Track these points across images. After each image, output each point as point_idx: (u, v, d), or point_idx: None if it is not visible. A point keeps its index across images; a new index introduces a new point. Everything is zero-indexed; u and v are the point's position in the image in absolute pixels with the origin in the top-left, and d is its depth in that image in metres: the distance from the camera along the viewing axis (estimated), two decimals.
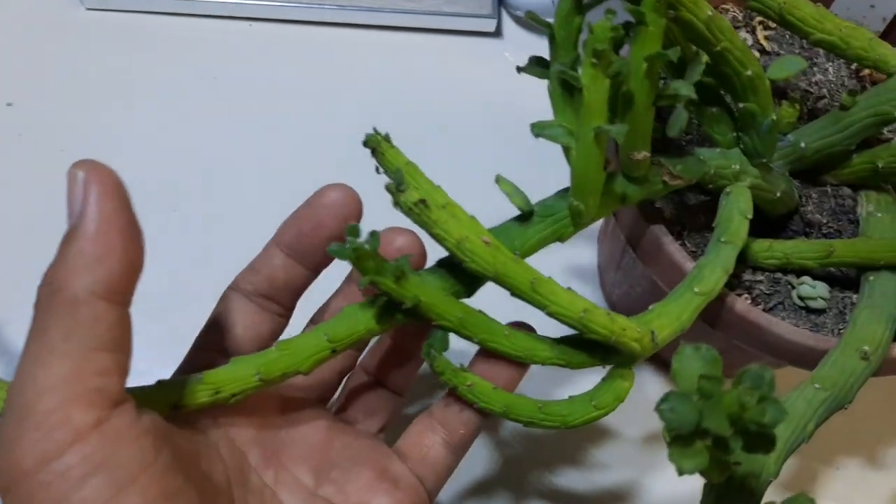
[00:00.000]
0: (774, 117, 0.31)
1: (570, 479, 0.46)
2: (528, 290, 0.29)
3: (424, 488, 0.33)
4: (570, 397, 0.32)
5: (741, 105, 0.31)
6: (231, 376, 0.29)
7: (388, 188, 0.28)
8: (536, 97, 0.34)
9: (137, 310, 0.25)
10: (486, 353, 0.33)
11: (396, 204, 0.28)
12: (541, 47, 0.31)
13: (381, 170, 0.30)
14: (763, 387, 0.24)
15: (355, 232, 0.27)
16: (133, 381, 0.25)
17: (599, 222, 0.47)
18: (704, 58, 0.29)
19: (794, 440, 0.31)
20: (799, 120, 0.38)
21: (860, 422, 0.47)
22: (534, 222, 0.31)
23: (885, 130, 0.40)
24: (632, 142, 0.28)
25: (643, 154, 0.29)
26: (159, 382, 0.28)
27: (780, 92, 0.39)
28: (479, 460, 0.46)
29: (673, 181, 0.31)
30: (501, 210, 0.32)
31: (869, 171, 0.36)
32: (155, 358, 0.36)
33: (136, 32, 0.60)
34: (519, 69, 0.31)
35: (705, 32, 0.28)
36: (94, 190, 0.23)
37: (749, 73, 0.29)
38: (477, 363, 0.33)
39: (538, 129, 0.30)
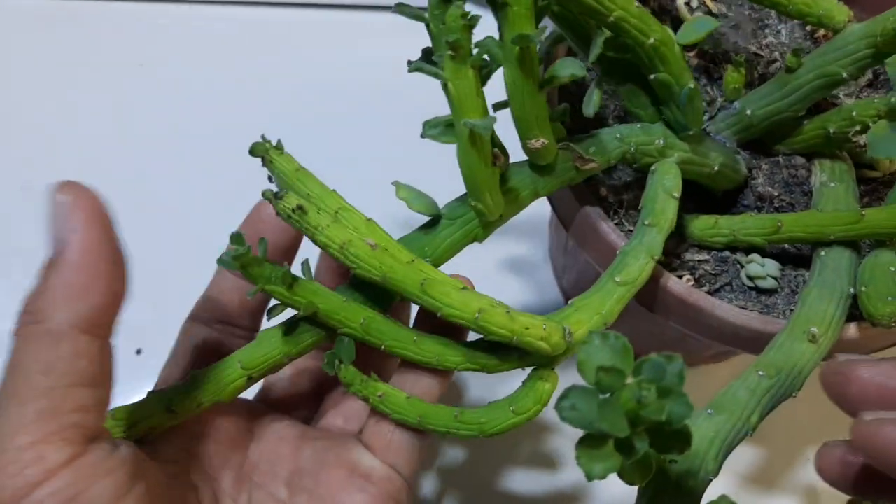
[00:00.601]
0: (692, 85, 0.29)
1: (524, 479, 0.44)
2: (417, 292, 0.27)
3: (399, 475, 0.32)
4: (490, 403, 0.31)
5: (652, 76, 0.28)
6: (141, 413, 0.28)
7: (264, 195, 0.27)
8: None
9: None
10: (407, 362, 0.31)
11: (277, 213, 0.27)
12: None
13: (272, 178, 0.30)
14: (665, 378, 0.22)
15: (240, 241, 0.26)
16: None
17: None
18: (606, 32, 0.27)
19: (735, 433, 0.29)
20: (748, 86, 0.36)
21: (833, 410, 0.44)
22: (442, 227, 0.30)
23: (840, 94, 0.36)
24: (525, 130, 0.27)
25: (540, 141, 0.27)
26: None
27: (726, 56, 0.36)
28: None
29: (585, 165, 0.29)
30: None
31: (821, 137, 0.33)
32: None
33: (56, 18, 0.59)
34: (410, 68, 0.29)
35: (592, 3, 0.25)
36: (78, 217, 0.23)
37: (651, 41, 0.27)
38: (397, 372, 0.32)
39: (425, 130, 0.28)
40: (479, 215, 0.29)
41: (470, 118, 0.25)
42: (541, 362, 0.30)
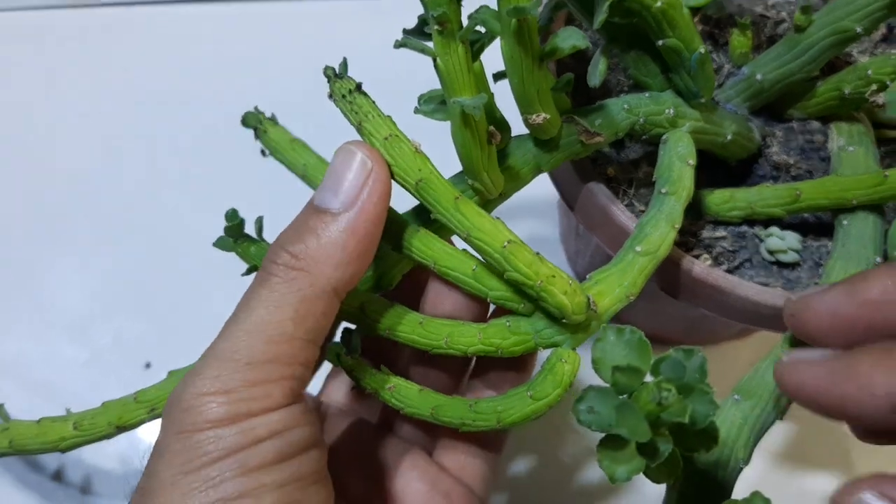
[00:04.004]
0: (702, 49, 0.27)
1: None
2: (450, 208, 0.25)
3: (475, 496, 0.32)
4: (507, 391, 0.29)
5: (660, 42, 0.26)
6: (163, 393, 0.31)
7: (325, 72, 0.26)
8: None
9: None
10: (419, 354, 0.30)
11: (331, 95, 0.26)
12: None
13: (266, 152, 0.29)
14: (686, 375, 0.21)
15: (234, 216, 0.26)
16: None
17: None
18: None
19: (764, 418, 0.27)
20: (756, 49, 0.34)
21: None
22: None
23: (853, 52, 0.35)
24: (525, 105, 0.25)
25: (542, 116, 0.25)
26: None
27: (731, 21, 0.35)
28: None
29: (591, 139, 0.27)
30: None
31: (836, 99, 0.31)
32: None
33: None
34: (397, 44, 0.27)
35: None
36: (376, 188, 0.24)
37: (659, 3, 0.25)
38: (409, 366, 0.31)
39: (420, 105, 0.26)
40: (478, 194, 0.27)
41: (460, 96, 0.23)
42: (559, 341, 0.27)
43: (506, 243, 0.25)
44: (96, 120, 0.54)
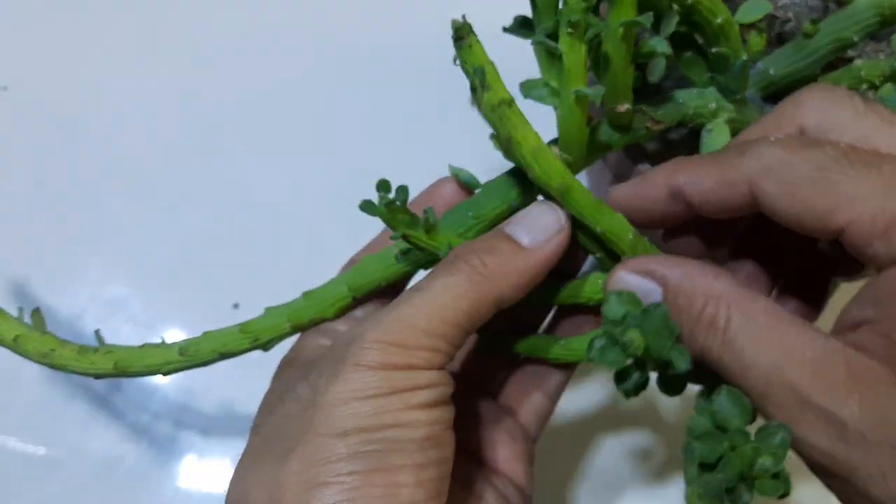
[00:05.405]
0: (745, 57, 0.34)
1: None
2: (592, 211, 0.31)
3: (531, 436, 0.37)
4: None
5: (714, 50, 0.33)
6: (265, 325, 0.34)
7: (472, 84, 0.30)
8: None
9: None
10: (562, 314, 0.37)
11: (476, 103, 0.30)
12: None
13: (457, 61, 0.31)
14: (646, 323, 0.27)
15: (387, 187, 0.30)
16: None
17: None
18: (677, 9, 0.32)
19: None
20: (768, 45, 0.41)
21: None
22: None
23: (847, 51, 0.42)
24: (613, 97, 0.31)
25: (625, 106, 0.31)
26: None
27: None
28: None
29: (655, 126, 0.34)
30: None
31: None
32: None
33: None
34: (504, 29, 0.34)
35: None
36: (559, 240, 0.30)
37: (719, 20, 0.32)
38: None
39: (526, 90, 0.32)
40: (568, 166, 0.33)
41: (579, 87, 0.30)
42: None
43: (631, 236, 0.31)
44: (182, 70, 0.58)
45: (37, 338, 0.37)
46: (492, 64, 0.30)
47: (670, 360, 0.27)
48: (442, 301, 0.28)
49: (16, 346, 0.37)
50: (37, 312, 0.39)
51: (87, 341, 0.37)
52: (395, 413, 0.26)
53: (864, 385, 0.23)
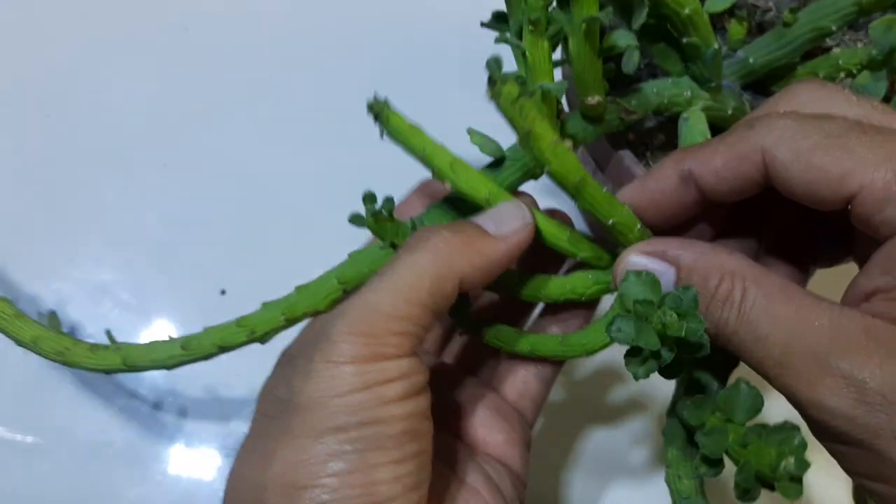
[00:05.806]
0: (717, 46, 0.34)
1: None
2: (605, 204, 0.31)
3: (526, 421, 0.38)
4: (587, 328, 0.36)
5: (685, 40, 0.33)
6: (261, 319, 0.35)
7: (489, 69, 0.29)
8: None
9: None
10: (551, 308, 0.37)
11: (493, 94, 0.29)
12: None
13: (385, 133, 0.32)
14: (683, 305, 0.27)
15: (373, 199, 0.31)
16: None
17: None
18: (646, 1, 0.32)
19: None
20: (748, 34, 0.41)
21: None
22: (506, 167, 0.34)
23: (826, 40, 0.42)
24: (584, 89, 0.31)
25: (596, 99, 0.32)
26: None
27: (729, 9, 0.41)
28: None
29: (629, 116, 0.34)
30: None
31: None
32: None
33: None
34: (482, 24, 0.34)
35: None
36: (524, 235, 0.31)
37: (687, 11, 0.32)
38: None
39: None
40: None
41: (543, 82, 0.30)
42: None
43: (639, 226, 0.31)
44: (173, 54, 0.58)
45: (53, 338, 0.40)
46: (414, 127, 0.31)
47: (702, 343, 0.27)
48: (405, 282, 0.28)
49: (34, 346, 0.40)
50: (53, 315, 0.42)
51: (76, 327, 0.38)
52: (371, 410, 0.27)
53: (885, 348, 0.23)
